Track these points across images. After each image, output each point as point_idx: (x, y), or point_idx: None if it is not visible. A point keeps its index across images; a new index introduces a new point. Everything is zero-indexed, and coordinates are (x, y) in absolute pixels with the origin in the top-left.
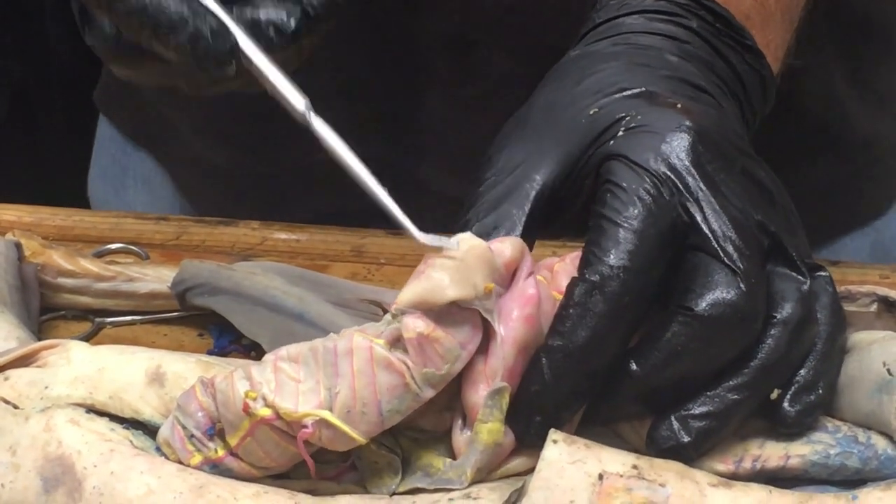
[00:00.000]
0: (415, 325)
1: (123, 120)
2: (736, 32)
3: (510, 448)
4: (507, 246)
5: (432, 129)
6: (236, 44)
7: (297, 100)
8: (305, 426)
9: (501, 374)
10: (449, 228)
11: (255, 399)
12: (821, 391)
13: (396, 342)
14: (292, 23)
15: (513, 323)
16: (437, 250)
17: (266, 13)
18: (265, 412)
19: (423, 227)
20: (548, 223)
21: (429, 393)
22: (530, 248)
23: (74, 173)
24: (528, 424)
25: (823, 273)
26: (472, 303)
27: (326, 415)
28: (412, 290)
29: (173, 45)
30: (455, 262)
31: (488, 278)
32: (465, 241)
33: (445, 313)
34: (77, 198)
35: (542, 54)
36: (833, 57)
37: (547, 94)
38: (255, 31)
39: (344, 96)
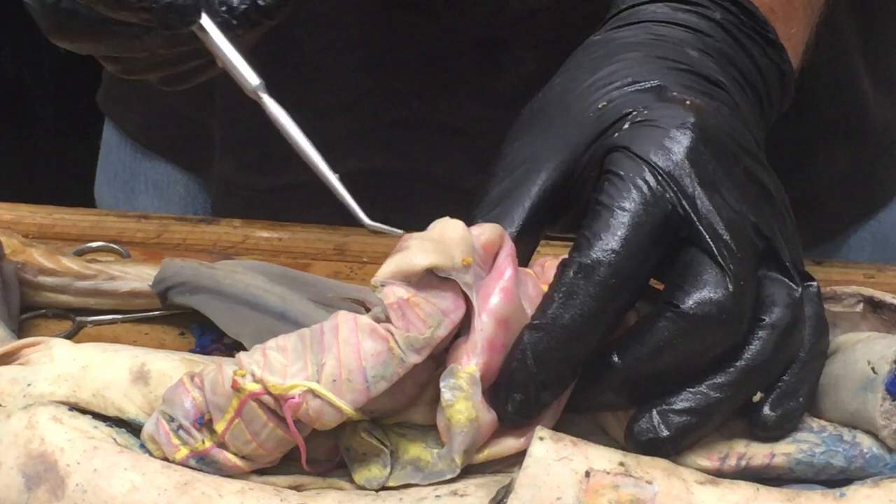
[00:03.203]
0: (394, 291)
1: (134, 124)
2: (760, 25)
3: (494, 424)
4: (485, 230)
5: (459, 129)
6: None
7: (250, 75)
8: (292, 397)
9: (482, 345)
10: None
11: (243, 376)
12: (801, 399)
13: (382, 322)
14: (244, 6)
15: (491, 296)
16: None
17: None
18: (253, 386)
19: None
20: (555, 219)
21: (413, 358)
22: (535, 245)
23: (63, 171)
24: (508, 402)
25: (812, 284)
26: (451, 273)
27: (313, 385)
28: (389, 262)
29: (136, 2)
30: (432, 236)
31: (466, 253)
32: (444, 222)
33: (426, 283)
34: (63, 195)
35: (571, 51)
36: (854, 44)
37: (562, 83)
38: (208, 8)
39: (372, 97)
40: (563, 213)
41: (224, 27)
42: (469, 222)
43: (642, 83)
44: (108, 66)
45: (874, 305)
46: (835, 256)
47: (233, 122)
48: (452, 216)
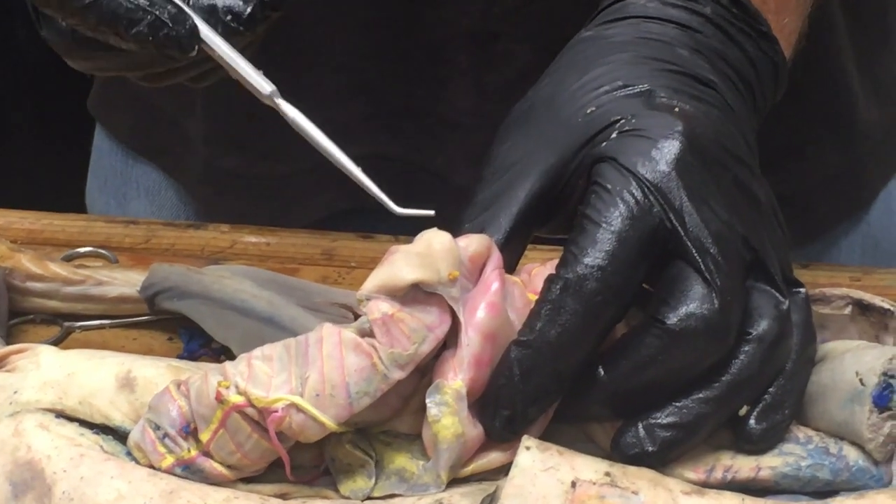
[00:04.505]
0: (379, 306)
1: (125, 129)
2: (751, 18)
3: (480, 439)
4: (472, 241)
5: (454, 122)
6: (195, 27)
7: (262, 84)
8: (275, 411)
9: (468, 361)
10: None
11: (227, 387)
12: (787, 411)
13: (367, 336)
14: (248, 9)
15: (477, 311)
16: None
17: (221, 0)
18: (237, 398)
19: (444, 221)
20: (542, 223)
21: (396, 374)
22: (522, 249)
23: (50, 176)
24: (495, 418)
25: (800, 291)
26: (436, 287)
27: (296, 399)
28: (375, 276)
29: (133, 36)
30: (418, 250)
31: (452, 267)
32: (431, 234)
33: (411, 298)
34: (48, 200)
35: (564, 44)
36: (845, 42)
37: (550, 84)
38: (213, 16)
39: (362, 93)
40: (551, 217)
41: (232, 33)
42: (457, 226)
43: (631, 87)
44: (130, 77)
45: (863, 308)
46: (825, 259)
47: (238, 114)
48: (448, 210)
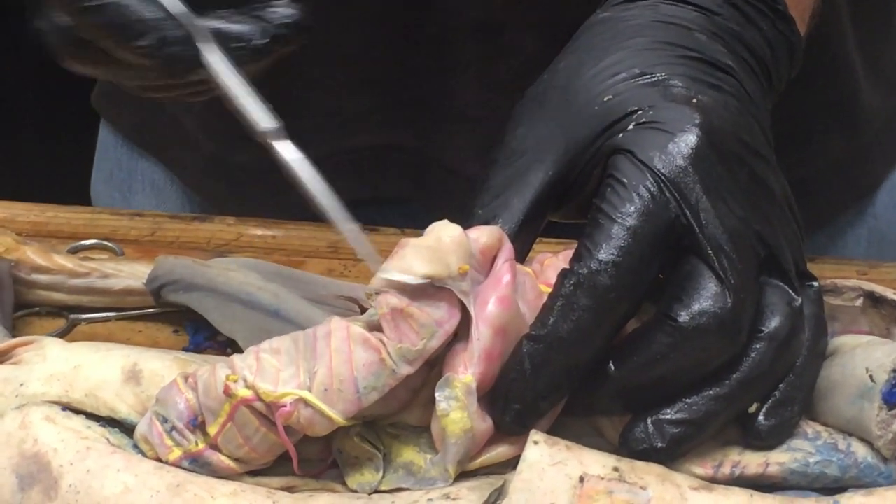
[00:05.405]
0: (388, 301)
1: (128, 125)
2: None
3: (489, 433)
4: (483, 233)
5: (461, 113)
6: (198, 50)
7: (257, 121)
8: (284, 405)
9: (479, 355)
10: None
11: (235, 381)
12: (796, 407)
13: (376, 329)
14: (257, 39)
15: (488, 304)
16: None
17: (231, 27)
18: (245, 392)
19: (452, 212)
20: (555, 209)
21: (405, 369)
22: (534, 237)
23: (55, 168)
24: (506, 411)
25: (813, 284)
26: (446, 282)
27: (304, 394)
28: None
29: (138, 48)
30: (428, 243)
31: (463, 261)
32: (441, 227)
33: (420, 292)
34: (53, 193)
35: (571, 34)
36: (848, 28)
37: (566, 68)
38: (218, 40)
39: (371, 84)
40: (564, 203)
41: (238, 62)
42: (469, 212)
43: (649, 75)
44: (120, 85)
45: (874, 300)
46: (830, 251)
47: (220, 110)
48: (456, 201)
